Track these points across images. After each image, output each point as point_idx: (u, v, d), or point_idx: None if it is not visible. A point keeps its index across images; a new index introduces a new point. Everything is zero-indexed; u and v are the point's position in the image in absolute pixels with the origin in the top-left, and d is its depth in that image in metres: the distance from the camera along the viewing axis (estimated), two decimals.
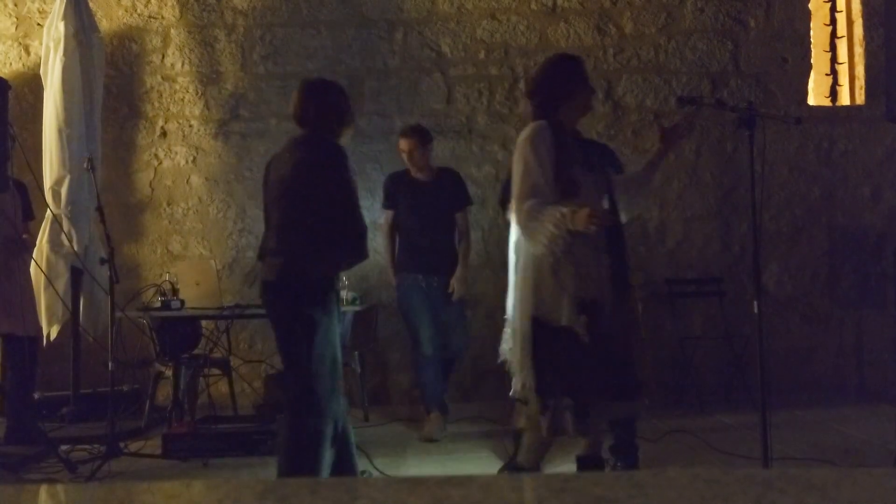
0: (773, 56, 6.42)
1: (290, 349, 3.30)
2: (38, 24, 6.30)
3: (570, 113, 3.30)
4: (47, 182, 5.66)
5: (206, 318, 5.32)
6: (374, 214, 6.42)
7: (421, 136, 5.20)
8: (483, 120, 6.39)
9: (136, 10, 6.41)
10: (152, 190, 6.42)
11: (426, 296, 5.12)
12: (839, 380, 6.33)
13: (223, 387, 5.66)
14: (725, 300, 6.11)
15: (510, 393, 3.23)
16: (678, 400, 5.90)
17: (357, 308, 5.57)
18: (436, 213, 5.19)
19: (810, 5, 6.47)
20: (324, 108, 3.37)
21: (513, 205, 3.18)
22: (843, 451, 4.47)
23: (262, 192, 3.50)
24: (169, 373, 5.26)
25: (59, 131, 5.67)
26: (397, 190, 5.26)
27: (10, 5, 6.41)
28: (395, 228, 5.31)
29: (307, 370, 3.23)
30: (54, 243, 5.61)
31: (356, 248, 3.31)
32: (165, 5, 6.39)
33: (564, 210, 3.02)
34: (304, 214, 3.24)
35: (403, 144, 5.19)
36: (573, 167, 3.16)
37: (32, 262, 5.30)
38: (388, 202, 5.32)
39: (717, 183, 6.39)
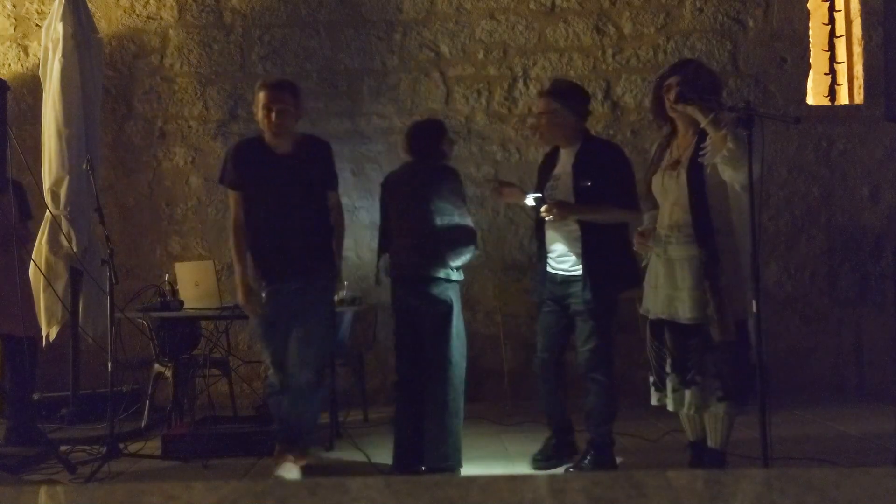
0: (771, 56, 6.42)
1: (432, 330, 4.16)
2: (37, 25, 6.30)
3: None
4: (46, 183, 5.66)
5: (206, 318, 5.31)
6: (374, 215, 6.44)
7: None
8: (482, 120, 6.39)
9: (134, 11, 6.40)
10: (151, 190, 6.42)
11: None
12: (839, 380, 6.33)
13: (223, 387, 5.65)
14: None
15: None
16: None
17: (356, 308, 5.57)
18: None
19: (809, 5, 6.47)
20: (430, 143, 4.30)
21: None
22: (843, 451, 4.47)
23: (381, 206, 4.38)
24: (168, 373, 5.26)
25: (58, 132, 5.66)
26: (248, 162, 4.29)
27: (9, 6, 6.41)
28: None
29: (448, 344, 4.16)
30: (53, 244, 5.61)
31: (471, 245, 4.22)
32: (164, 6, 6.39)
33: (640, 228, 3.87)
34: (431, 222, 4.11)
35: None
36: (655, 173, 3.82)
37: (32, 263, 5.29)
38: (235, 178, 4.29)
39: None
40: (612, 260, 4.08)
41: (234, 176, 4.20)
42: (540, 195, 4.15)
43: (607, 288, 4.07)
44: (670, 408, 3.78)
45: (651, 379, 3.89)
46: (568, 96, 4.19)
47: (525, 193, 4.26)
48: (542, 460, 4.32)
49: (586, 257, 4.05)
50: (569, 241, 4.12)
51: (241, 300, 4.20)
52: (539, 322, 4.32)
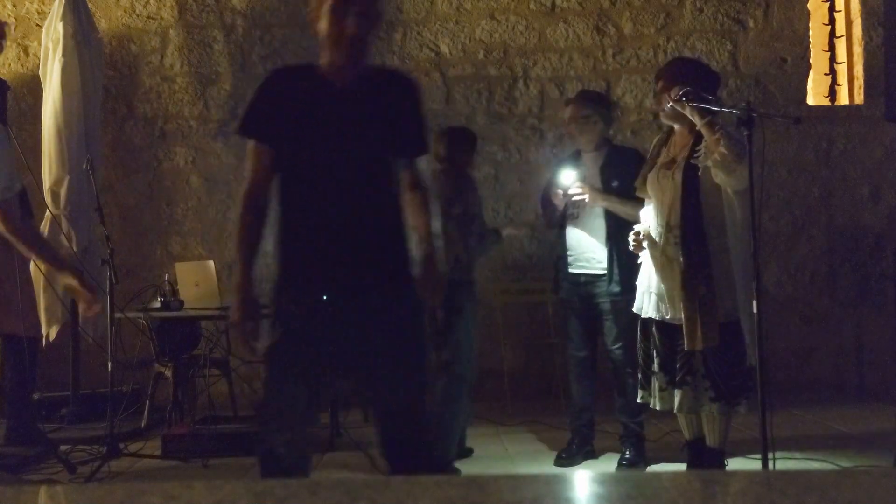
0: (772, 56, 6.43)
1: (445, 328, 4.18)
2: (37, 25, 6.30)
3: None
4: (46, 183, 5.66)
5: (206, 318, 5.31)
6: None
7: None
8: (482, 120, 6.39)
9: (134, 11, 6.40)
10: (151, 190, 6.41)
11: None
12: (839, 380, 6.33)
13: (223, 387, 5.65)
14: None
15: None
16: None
17: None
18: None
19: (809, 5, 6.48)
20: (451, 149, 4.40)
21: None
22: (843, 451, 4.47)
23: None
24: (168, 373, 5.26)
25: (59, 132, 5.66)
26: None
27: (9, 6, 6.40)
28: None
29: (457, 343, 4.20)
30: (53, 244, 5.60)
31: (485, 243, 4.52)
32: (164, 6, 6.39)
33: (637, 227, 3.87)
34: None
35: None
36: (651, 170, 3.85)
37: (32, 263, 5.29)
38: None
39: None
40: (630, 258, 4.20)
41: (263, 119, 2.61)
42: (576, 171, 4.31)
43: (629, 284, 4.19)
44: (656, 407, 3.83)
45: (639, 376, 3.96)
46: (599, 103, 4.44)
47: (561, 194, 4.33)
48: (566, 458, 4.44)
49: (615, 254, 4.20)
50: (596, 239, 4.28)
51: (235, 317, 2.52)
52: (568, 324, 4.46)
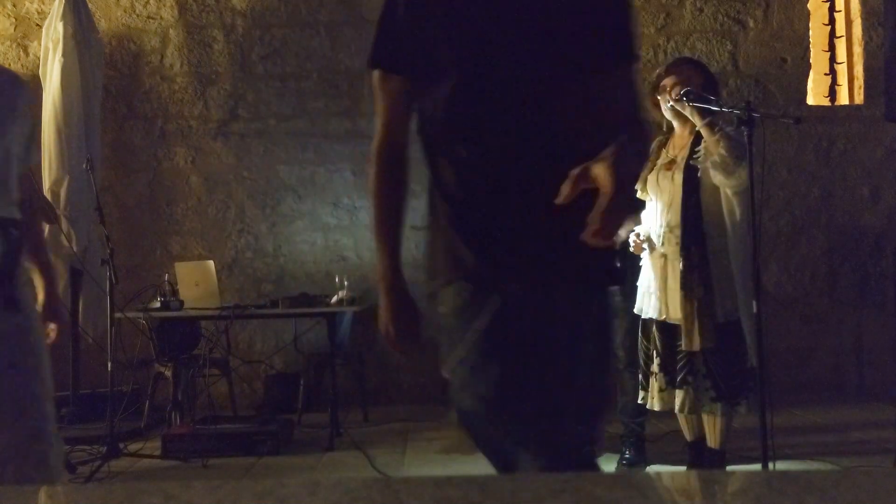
0: (772, 56, 6.42)
1: None
2: (37, 25, 6.30)
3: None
4: (46, 183, 5.66)
5: (206, 318, 5.32)
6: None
7: None
8: None
9: (134, 11, 6.40)
10: (151, 190, 6.41)
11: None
12: (839, 380, 6.33)
13: (223, 387, 5.65)
14: None
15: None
16: None
17: (357, 308, 5.57)
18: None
19: (809, 5, 6.48)
20: None
21: None
22: (843, 451, 4.47)
23: None
24: (168, 373, 5.26)
25: (58, 132, 5.67)
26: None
27: (9, 6, 6.40)
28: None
29: None
30: (53, 244, 5.61)
31: None
32: (164, 6, 6.39)
33: (637, 228, 3.80)
34: None
35: None
36: (651, 171, 3.82)
37: None
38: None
39: None
40: (636, 256, 4.15)
41: (401, 40, 1.76)
42: None
43: (635, 284, 4.15)
44: (655, 407, 3.83)
45: (640, 377, 3.96)
46: None
47: None
48: None
49: (622, 253, 4.15)
50: None
51: (387, 325, 1.84)
52: None
